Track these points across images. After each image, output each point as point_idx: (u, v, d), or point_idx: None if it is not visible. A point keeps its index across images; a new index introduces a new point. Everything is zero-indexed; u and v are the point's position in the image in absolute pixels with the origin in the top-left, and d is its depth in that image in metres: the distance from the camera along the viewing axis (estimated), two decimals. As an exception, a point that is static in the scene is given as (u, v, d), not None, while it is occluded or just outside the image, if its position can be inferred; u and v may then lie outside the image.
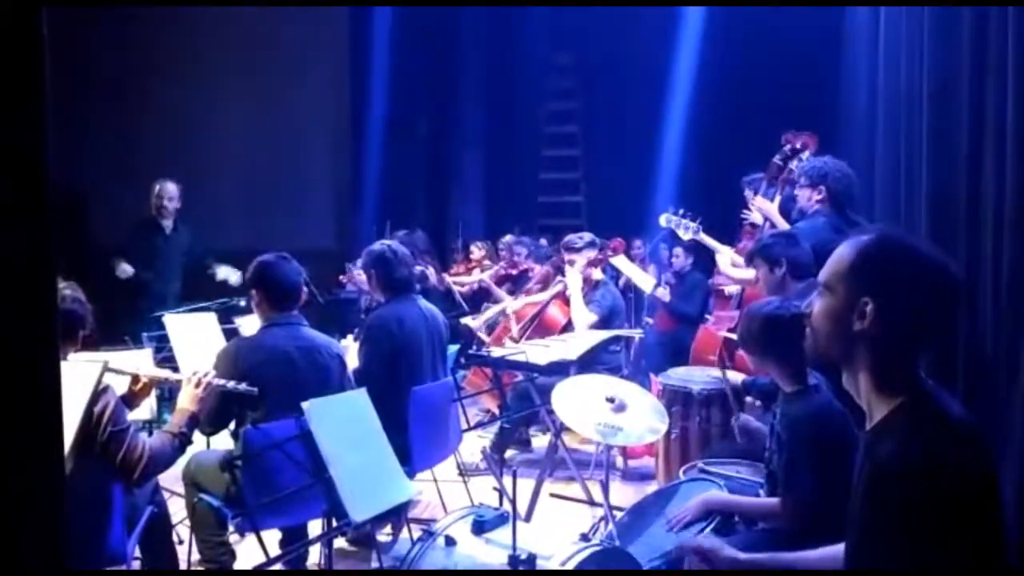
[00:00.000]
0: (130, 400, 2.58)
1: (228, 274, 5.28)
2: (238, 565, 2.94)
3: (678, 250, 5.36)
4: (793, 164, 4.11)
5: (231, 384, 2.60)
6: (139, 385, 2.60)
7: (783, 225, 3.94)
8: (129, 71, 6.80)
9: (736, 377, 3.43)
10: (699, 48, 7.21)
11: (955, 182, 2.71)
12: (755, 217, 4.11)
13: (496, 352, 4.00)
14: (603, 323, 4.59)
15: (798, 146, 4.17)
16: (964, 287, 1.43)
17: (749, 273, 3.73)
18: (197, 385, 2.56)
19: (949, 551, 1.23)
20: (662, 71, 7.43)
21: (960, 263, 2.62)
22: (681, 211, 4.32)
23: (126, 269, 5.19)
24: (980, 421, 1.39)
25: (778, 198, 4.12)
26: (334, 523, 2.30)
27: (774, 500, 2.34)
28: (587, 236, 4.87)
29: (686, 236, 4.38)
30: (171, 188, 5.35)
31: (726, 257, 3.81)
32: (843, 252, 1.40)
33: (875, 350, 1.35)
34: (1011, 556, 1.89)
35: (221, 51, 7.08)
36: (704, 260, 5.05)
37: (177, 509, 3.18)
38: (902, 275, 1.34)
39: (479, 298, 6.36)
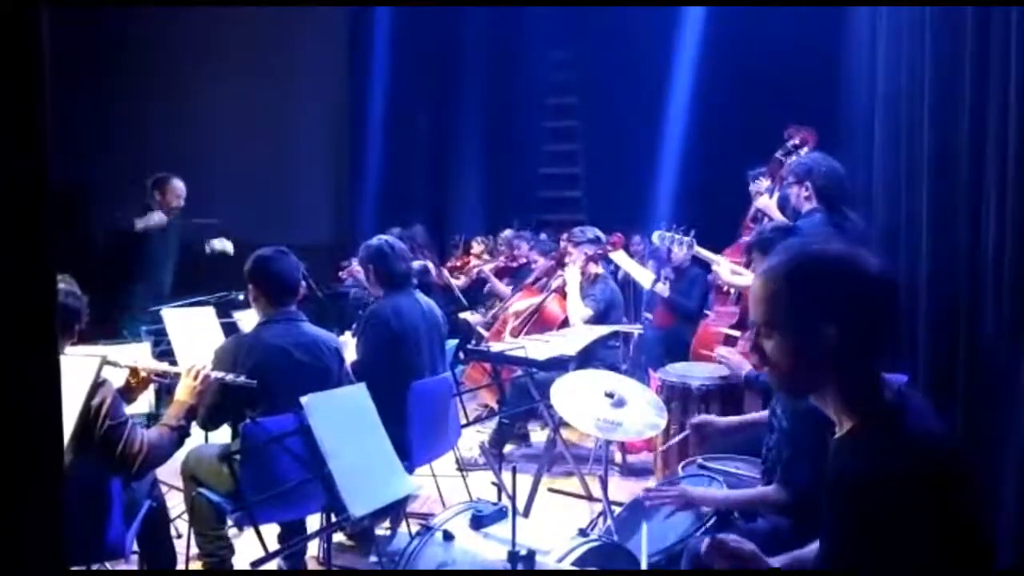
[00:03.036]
0: (128, 393, 2.57)
1: (224, 245, 5.25)
2: (237, 559, 2.94)
3: (674, 250, 5.34)
4: (792, 159, 4.10)
5: (229, 377, 2.59)
6: (137, 378, 2.60)
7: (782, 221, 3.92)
8: (127, 64, 6.78)
9: (741, 367, 3.42)
10: (699, 41, 7.19)
11: (956, 177, 2.70)
12: (761, 202, 4.09)
13: (495, 347, 4.00)
14: (600, 318, 4.59)
15: (797, 141, 4.16)
16: (879, 285, 1.32)
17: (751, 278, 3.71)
18: (195, 377, 2.56)
19: (910, 567, 1.22)
20: (662, 65, 7.41)
21: (962, 263, 2.61)
22: (674, 227, 4.32)
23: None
24: (950, 433, 1.37)
25: (776, 194, 4.11)
26: (333, 518, 2.31)
27: (766, 488, 2.35)
28: (591, 231, 4.88)
29: (681, 252, 4.37)
30: (183, 185, 5.19)
31: (725, 267, 3.79)
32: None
33: (807, 368, 1.34)
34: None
35: (220, 45, 7.06)
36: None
37: (176, 503, 3.18)
38: (791, 294, 1.33)
39: (477, 292, 6.36)
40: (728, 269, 3.73)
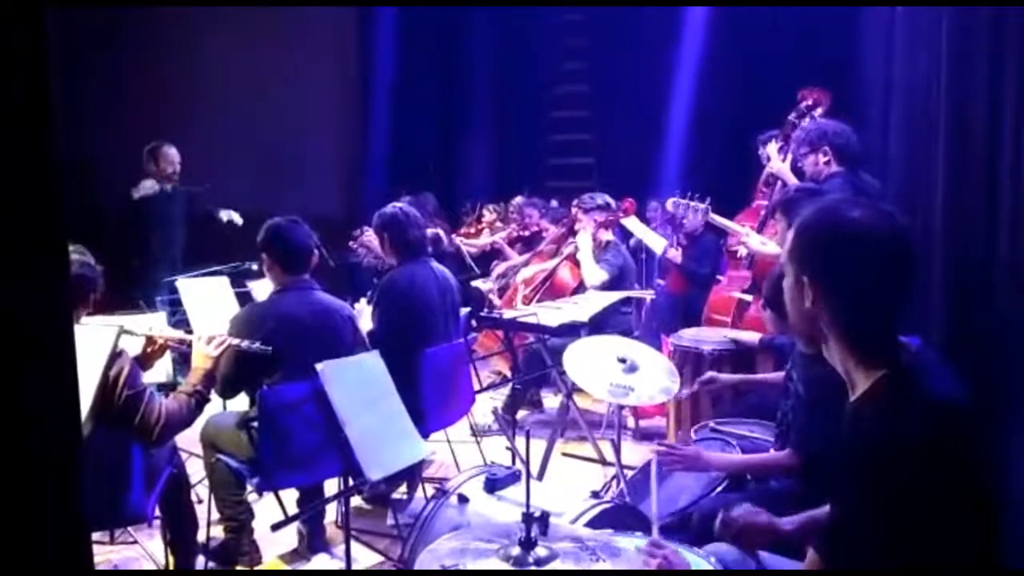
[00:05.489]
0: (144, 361, 2.60)
1: (232, 216, 5.40)
2: (257, 523, 3.00)
3: (688, 218, 5.30)
4: (805, 122, 4.04)
5: (244, 343, 2.62)
6: (154, 346, 2.63)
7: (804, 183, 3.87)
8: (136, 35, 6.74)
9: (753, 338, 3.43)
10: (711, 7, 7.06)
11: (972, 141, 2.65)
12: (774, 165, 4.03)
13: (508, 314, 4.01)
14: (613, 284, 4.59)
15: (811, 103, 4.09)
16: (908, 254, 1.35)
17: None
18: (207, 342, 2.57)
19: (927, 535, 1.22)
20: (673, 30, 7.29)
21: (977, 225, 2.58)
22: (689, 193, 4.27)
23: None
24: (968, 395, 1.35)
25: (790, 157, 4.05)
26: (350, 482, 2.34)
27: (780, 453, 2.36)
28: (600, 198, 4.85)
29: (697, 219, 4.32)
30: (175, 152, 5.35)
31: (755, 238, 3.73)
32: (791, 231, 1.41)
33: (836, 327, 1.35)
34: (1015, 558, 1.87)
35: (229, 15, 7.00)
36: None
37: (196, 470, 3.24)
38: (833, 253, 1.33)
39: (490, 260, 6.36)
40: (758, 240, 3.69)
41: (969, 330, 2.61)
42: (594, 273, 4.60)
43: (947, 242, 2.76)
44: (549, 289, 4.95)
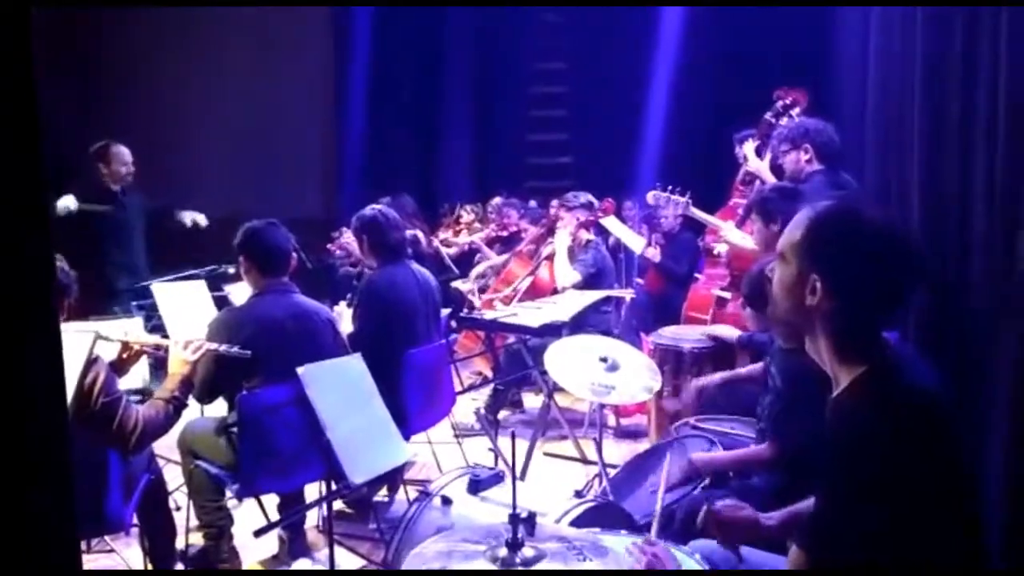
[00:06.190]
0: (119, 367, 2.56)
1: (196, 218, 5.03)
2: (237, 529, 2.96)
3: (667, 211, 5.33)
4: (784, 121, 4.07)
5: (223, 348, 2.59)
6: (129, 352, 2.58)
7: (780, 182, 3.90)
8: (116, 38, 6.66)
9: (732, 333, 3.45)
10: (687, 6, 7.11)
11: (946, 143, 2.69)
12: (752, 164, 4.04)
13: (488, 314, 4.01)
14: (591, 283, 4.60)
15: (788, 102, 4.12)
16: (920, 258, 1.38)
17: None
18: (185, 348, 2.54)
19: (909, 528, 1.24)
20: (650, 29, 7.33)
21: (951, 225, 2.62)
22: (669, 187, 4.29)
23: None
24: (948, 390, 1.36)
25: (768, 156, 4.09)
26: (332, 486, 2.32)
27: (759, 447, 2.38)
28: (584, 196, 4.87)
29: (676, 211, 4.34)
30: (126, 151, 4.90)
31: (736, 234, 3.75)
32: (798, 222, 1.38)
33: (830, 322, 1.35)
34: (996, 559, 1.90)
35: (208, 19, 6.93)
36: (694, 220, 5.03)
37: (174, 476, 3.20)
38: (851, 252, 1.31)
39: (469, 261, 6.35)
40: (739, 235, 3.72)
41: (944, 325, 2.65)
42: (567, 274, 4.62)
43: (922, 238, 2.80)
44: (529, 290, 4.95)
